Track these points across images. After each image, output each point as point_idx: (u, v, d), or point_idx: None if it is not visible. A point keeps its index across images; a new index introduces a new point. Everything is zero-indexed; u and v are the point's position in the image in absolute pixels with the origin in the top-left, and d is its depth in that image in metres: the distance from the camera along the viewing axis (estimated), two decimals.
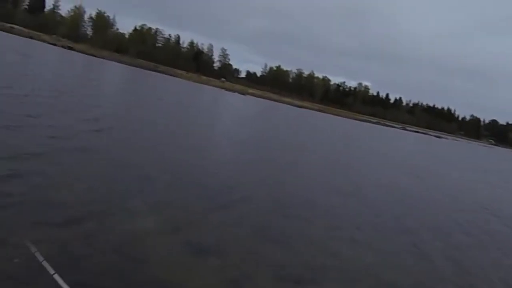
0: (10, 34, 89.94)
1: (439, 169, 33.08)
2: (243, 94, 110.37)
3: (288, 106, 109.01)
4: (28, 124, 12.77)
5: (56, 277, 3.58)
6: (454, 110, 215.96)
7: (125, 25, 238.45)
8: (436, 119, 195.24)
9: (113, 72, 66.42)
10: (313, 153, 25.52)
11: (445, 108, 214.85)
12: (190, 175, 11.91)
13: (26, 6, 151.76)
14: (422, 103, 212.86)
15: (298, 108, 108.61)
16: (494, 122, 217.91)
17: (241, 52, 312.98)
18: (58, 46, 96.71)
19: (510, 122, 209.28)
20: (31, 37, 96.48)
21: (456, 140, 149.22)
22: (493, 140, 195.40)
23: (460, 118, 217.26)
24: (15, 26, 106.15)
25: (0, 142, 10.13)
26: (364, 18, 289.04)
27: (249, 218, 9.08)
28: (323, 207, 11.86)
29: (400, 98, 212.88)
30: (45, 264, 3.73)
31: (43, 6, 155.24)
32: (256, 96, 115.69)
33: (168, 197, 9.19)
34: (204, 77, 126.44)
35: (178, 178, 11.15)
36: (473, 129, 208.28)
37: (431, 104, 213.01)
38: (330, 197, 13.81)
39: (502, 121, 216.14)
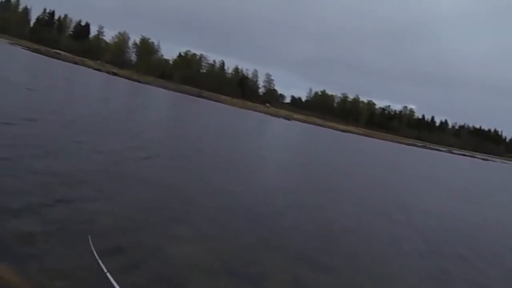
0: (55, 60, 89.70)
1: (486, 193, 33.45)
2: (288, 119, 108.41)
3: (333, 130, 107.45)
4: (75, 150, 13.02)
5: None
6: (501, 132, 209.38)
7: (169, 52, 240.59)
8: (483, 141, 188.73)
9: (158, 98, 66.08)
10: (358, 178, 25.37)
11: (492, 129, 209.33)
12: (237, 202, 11.90)
13: (71, 32, 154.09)
14: (468, 125, 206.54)
15: (343, 133, 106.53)
16: None
17: (286, 77, 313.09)
18: (103, 71, 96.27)
19: None
20: (76, 63, 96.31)
21: (505, 162, 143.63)
22: None
23: (508, 140, 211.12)
24: (61, 52, 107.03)
25: (48, 168, 10.09)
26: (409, 42, 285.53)
27: (295, 246, 9.01)
28: (373, 234, 11.86)
29: (446, 120, 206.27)
30: None
31: (88, 33, 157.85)
32: (301, 121, 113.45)
33: (214, 224, 9.22)
34: (249, 103, 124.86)
35: (225, 206, 11.09)
36: None
37: (477, 126, 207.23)
38: (380, 223, 13.66)
39: None
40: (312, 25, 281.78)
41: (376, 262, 9.08)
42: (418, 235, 12.65)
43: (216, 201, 11.21)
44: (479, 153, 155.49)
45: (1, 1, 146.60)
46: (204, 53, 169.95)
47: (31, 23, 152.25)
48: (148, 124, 27.06)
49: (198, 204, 10.46)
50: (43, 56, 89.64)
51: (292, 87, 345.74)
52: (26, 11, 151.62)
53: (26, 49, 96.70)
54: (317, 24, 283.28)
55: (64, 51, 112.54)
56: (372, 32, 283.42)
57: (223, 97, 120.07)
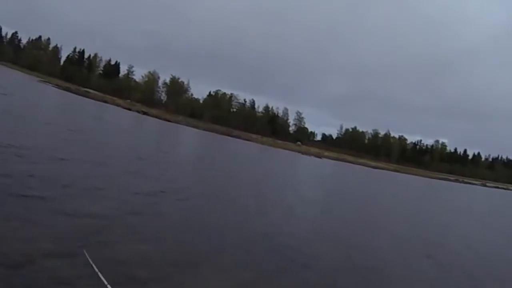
0: (85, 98, 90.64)
1: None
2: (319, 157, 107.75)
3: (364, 167, 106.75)
4: (108, 192, 13.22)
5: None
6: None
7: (199, 91, 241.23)
8: None
9: (189, 138, 66.37)
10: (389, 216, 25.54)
11: None
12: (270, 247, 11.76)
13: (101, 71, 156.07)
14: (502, 157, 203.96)
15: (374, 169, 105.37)
16: None
17: (316, 115, 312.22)
18: (133, 110, 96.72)
19: None
20: (105, 101, 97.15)
21: None
22: None
23: None
24: (91, 91, 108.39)
25: (83, 210, 10.45)
26: (440, 76, 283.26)
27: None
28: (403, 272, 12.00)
29: (479, 153, 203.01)
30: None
31: (118, 71, 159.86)
32: (332, 159, 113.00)
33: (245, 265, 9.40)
34: (280, 141, 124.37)
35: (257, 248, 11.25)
36: None
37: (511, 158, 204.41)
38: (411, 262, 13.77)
39: None
40: (343, 62, 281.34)
41: None
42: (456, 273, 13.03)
43: (251, 242, 11.61)
44: None
45: (32, 39, 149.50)
46: (235, 92, 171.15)
47: (61, 61, 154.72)
48: (180, 166, 27.23)
49: (229, 242, 10.95)
50: (73, 95, 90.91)
51: (323, 125, 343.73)
52: (57, 49, 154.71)
53: (57, 87, 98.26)
54: (348, 60, 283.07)
55: (94, 89, 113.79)
56: (403, 67, 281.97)
57: (254, 135, 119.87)
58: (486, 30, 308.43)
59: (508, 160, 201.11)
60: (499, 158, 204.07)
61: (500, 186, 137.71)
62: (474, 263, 15.44)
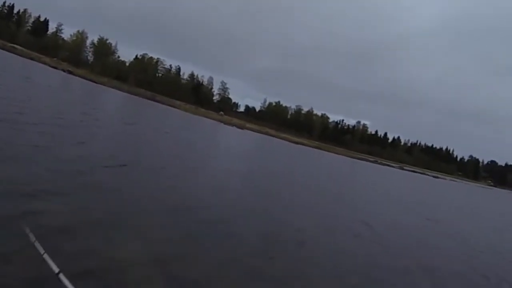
0: (11, 54, 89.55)
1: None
2: (241, 128, 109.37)
3: (285, 142, 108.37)
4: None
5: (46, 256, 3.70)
6: (453, 151, 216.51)
7: (126, 54, 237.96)
8: (434, 160, 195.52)
9: (112, 100, 65.78)
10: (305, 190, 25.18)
11: (444, 148, 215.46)
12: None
13: (29, 28, 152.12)
14: (420, 143, 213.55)
15: (295, 145, 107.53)
16: (493, 163, 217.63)
17: (241, 87, 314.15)
18: (59, 69, 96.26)
19: (509, 163, 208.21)
20: (32, 59, 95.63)
21: (454, 180, 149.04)
22: (491, 181, 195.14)
23: (458, 159, 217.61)
24: (17, 47, 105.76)
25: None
26: (369, 61, 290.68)
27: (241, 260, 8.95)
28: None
29: (399, 137, 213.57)
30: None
31: (47, 29, 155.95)
32: (254, 131, 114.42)
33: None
34: (202, 110, 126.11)
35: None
36: (471, 170, 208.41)
37: (429, 144, 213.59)
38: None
39: (501, 162, 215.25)
40: (273, 39, 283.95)
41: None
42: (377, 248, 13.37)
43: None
44: (430, 171, 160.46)
45: None
46: (161, 57, 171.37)
47: None
48: (106, 129, 26.50)
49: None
50: None
51: (247, 97, 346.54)
52: None
53: None
54: (278, 38, 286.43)
55: (21, 46, 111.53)
56: (332, 49, 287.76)
57: (177, 102, 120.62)
58: (420, 21, 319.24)
59: (426, 146, 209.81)
60: (418, 143, 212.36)
61: (417, 170, 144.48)
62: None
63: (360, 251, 12.52)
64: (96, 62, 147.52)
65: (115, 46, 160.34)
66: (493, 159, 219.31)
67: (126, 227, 8.76)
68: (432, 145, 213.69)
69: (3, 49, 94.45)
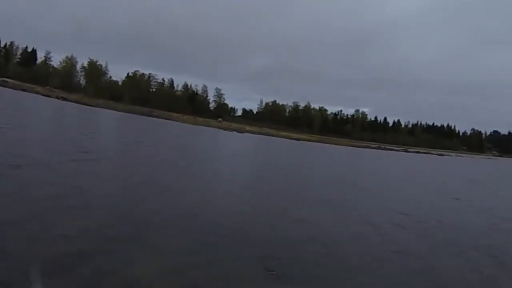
0: (3, 88, 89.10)
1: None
2: (241, 132, 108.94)
3: (286, 140, 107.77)
4: None
5: None
6: (454, 126, 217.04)
7: (118, 73, 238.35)
8: (437, 138, 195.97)
9: (109, 120, 65.03)
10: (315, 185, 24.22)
11: (445, 125, 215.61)
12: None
13: (18, 59, 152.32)
14: (421, 123, 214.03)
15: (296, 141, 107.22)
16: (496, 134, 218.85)
17: (237, 91, 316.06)
18: (52, 97, 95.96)
19: None
20: (24, 90, 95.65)
21: (460, 156, 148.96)
22: (497, 151, 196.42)
23: (461, 134, 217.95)
24: (8, 80, 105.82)
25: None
26: (362, 48, 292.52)
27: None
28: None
29: (399, 120, 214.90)
30: None
31: (35, 58, 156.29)
32: (254, 133, 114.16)
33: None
34: (201, 119, 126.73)
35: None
36: (475, 143, 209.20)
37: (430, 123, 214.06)
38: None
39: (504, 131, 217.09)
40: (263, 39, 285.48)
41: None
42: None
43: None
44: (435, 149, 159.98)
45: None
46: (153, 72, 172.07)
47: None
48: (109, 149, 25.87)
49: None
50: None
51: (244, 100, 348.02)
52: None
53: None
54: (268, 37, 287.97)
55: (12, 78, 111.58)
56: (324, 40, 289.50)
57: (175, 114, 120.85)
58: (407, 3, 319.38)
59: (428, 126, 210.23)
60: (419, 124, 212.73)
61: (421, 150, 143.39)
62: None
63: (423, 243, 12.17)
64: (89, 85, 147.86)
65: (106, 66, 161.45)
66: (496, 129, 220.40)
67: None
68: (433, 123, 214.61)
69: None
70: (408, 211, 17.15)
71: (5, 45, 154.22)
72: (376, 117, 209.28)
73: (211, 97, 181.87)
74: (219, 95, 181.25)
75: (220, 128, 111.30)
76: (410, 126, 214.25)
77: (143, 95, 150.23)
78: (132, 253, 7.70)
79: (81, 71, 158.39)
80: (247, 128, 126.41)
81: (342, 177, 31.68)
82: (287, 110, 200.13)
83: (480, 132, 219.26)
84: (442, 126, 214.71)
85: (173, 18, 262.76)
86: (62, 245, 7.43)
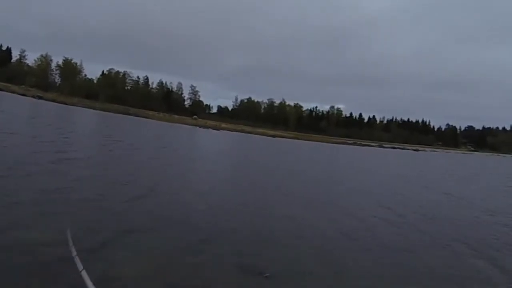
0: None
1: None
2: (217, 129, 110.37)
3: (262, 136, 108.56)
4: None
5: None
6: (429, 122, 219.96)
7: (93, 70, 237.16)
8: (412, 133, 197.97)
9: (85, 119, 64.74)
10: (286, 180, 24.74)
11: (420, 121, 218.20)
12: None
13: None
14: (396, 119, 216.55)
15: (272, 138, 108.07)
16: (470, 128, 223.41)
17: (211, 89, 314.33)
18: (28, 96, 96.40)
19: (486, 126, 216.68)
20: (0, 89, 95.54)
21: (435, 151, 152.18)
22: (471, 146, 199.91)
23: (436, 129, 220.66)
24: None
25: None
26: (337, 45, 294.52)
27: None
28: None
29: (374, 116, 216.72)
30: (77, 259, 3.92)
31: (10, 57, 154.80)
32: (230, 130, 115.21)
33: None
34: (176, 116, 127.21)
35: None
36: (450, 138, 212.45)
37: (405, 119, 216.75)
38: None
39: (478, 126, 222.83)
40: (239, 37, 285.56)
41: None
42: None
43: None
44: (410, 145, 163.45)
45: None
46: (128, 70, 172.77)
47: None
48: (79, 146, 25.69)
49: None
50: None
51: (219, 98, 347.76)
52: None
53: None
54: (243, 35, 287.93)
55: None
56: (300, 38, 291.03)
57: (150, 112, 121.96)
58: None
59: (403, 121, 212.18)
60: (394, 119, 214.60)
61: (396, 146, 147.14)
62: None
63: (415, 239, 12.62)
64: (64, 84, 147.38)
65: (81, 65, 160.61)
66: (470, 125, 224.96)
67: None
68: (408, 119, 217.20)
69: None
70: (391, 204, 18.33)
71: None
72: (351, 113, 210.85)
73: (186, 94, 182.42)
74: (194, 92, 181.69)
75: (196, 125, 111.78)
76: (385, 122, 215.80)
77: (119, 93, 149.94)
78: (113, 255, 7.76)
79: (56, 70, 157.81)
80: (223, 125, 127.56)
81: (324, 174, 32.19)
82: (262, 107, 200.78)
83: (454, 127, 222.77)
84: (417, 121, 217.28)
85: (148, 15, 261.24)
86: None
